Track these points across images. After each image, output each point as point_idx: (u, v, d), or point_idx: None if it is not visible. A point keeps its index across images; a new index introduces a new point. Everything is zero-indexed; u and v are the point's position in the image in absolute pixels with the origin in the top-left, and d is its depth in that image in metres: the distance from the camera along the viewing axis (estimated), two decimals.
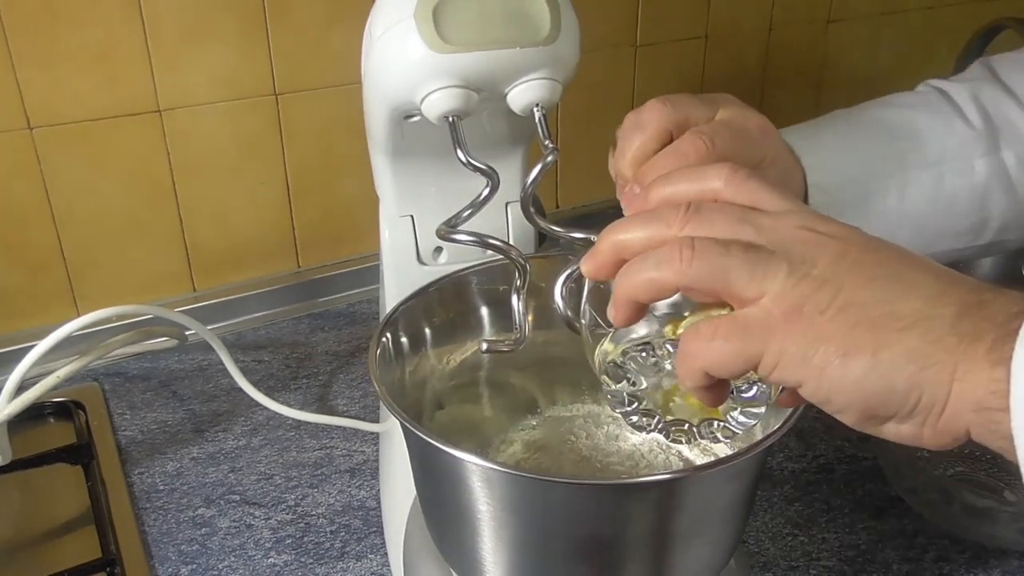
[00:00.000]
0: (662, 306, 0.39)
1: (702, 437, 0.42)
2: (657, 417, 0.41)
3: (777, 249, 0.33)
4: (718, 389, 0.36)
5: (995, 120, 0.54)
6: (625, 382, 0.41)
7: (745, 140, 0.46)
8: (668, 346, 0.39)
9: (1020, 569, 0.58)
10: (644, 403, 0.41)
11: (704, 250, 0.33)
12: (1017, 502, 0.61)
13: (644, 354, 0.40)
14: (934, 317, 0.31)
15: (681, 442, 0.43)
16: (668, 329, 0.40)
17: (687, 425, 0.41)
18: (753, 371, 0.33)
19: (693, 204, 0.36)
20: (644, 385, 0.41)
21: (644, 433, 0.42)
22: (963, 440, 0.32)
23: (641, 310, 0.37)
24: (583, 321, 0.43)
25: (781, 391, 0.39)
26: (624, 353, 0.40)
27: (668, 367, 0.40)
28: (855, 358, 0.31)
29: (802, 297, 0.32)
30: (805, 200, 0.52)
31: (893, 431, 0.33)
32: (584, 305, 0.43)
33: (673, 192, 0.38)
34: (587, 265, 0.38)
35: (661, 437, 0.49)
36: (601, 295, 0.41)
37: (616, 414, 0.43)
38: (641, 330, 0.40)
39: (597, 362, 0.42)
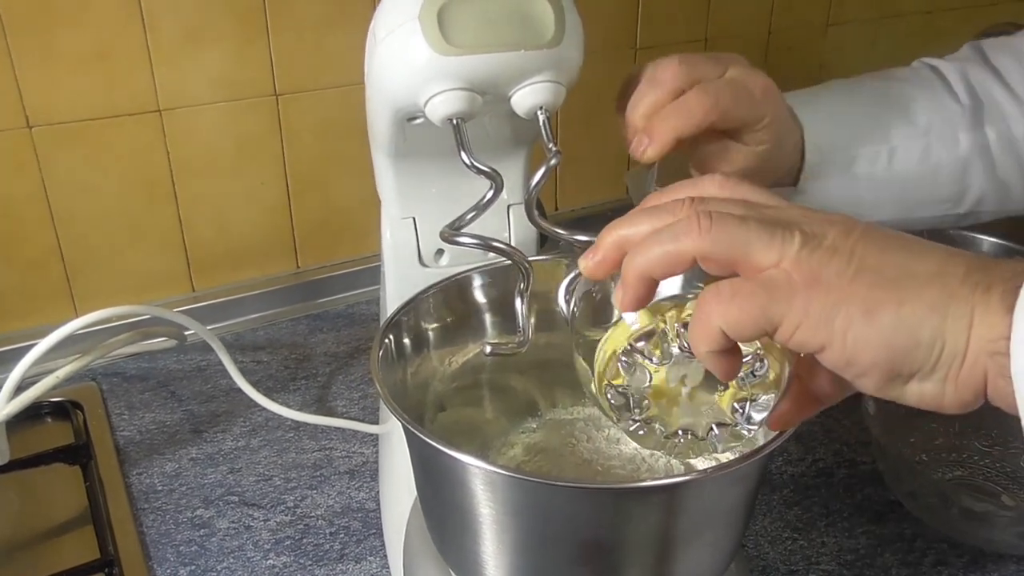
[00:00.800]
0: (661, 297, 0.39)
1: (702, 451, 0.41)
2: (658, 425, 0.41)
3: (790, 225, 0.34)
4: (731, 357, 0.35)
5: (981, 97, 0.58)
6: (626, 386, 0.41)
7: (748, 99, 0.50)
8: (678, 326, 0.39)
9: (1018, 573, 0.58)
10: (646, 410, 0.41)
11: (721, 219, 0.33)
12: (1015, 507, 0.61)
13: (649, 342, 0.39)
14: (947, 274, 0.32)
15: (687, 456, 0.43)
16: (672, 314, 0.39)
17: (689, 434, 0.41)
18: (769, 338, 0.33)
19: (698, 197, 0.36)
20: (647, 384, 0.40)
21: (643, 446, 0.42)
22: (981, 398, 0.32)
23: (652, 290, 0.36)
24: (572, 338, 0.42)
25: (781, 397, 0.39)
26: (630, 343, 0.40)
27: (675, 351, 0.39)
28: (879, 314, 0.31)
29: (820, 264, 0.32)
30: (801, 158, 0.56)
31: (916, 391, 0.33)
32: (572, 309, 0.43)
33: (672, 198, 0.38)
34: (587, 262, 0.38)
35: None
36: (592, 303, 0.41)
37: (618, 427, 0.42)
38: (639, 324, 0.40)
39: (598, 369, 0.42)
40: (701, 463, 0.53)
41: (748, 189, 0.37)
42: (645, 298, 0.36)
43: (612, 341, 0.41)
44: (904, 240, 0.34)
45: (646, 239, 0.35)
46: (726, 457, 0.50)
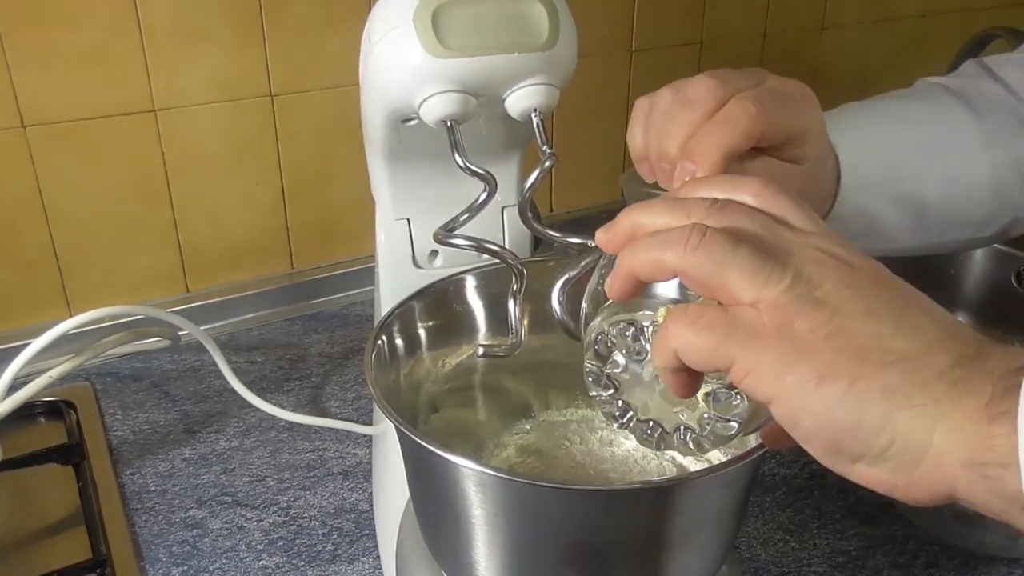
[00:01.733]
0: (663, 295, 0.39)
1: (667, 447, 0.41)
2: (632, 413, 0.41)
3: (787, 263, 0.31)
4: (686, 378, 0.34)
5: (1001, 112, 0.54)
6: (607, 363, 0.40)
7: (791, 106, 0.44)
8: (653, 326, 0.38)
9: (1008, 575, 0.58)
10: (623, 394, 0.40)
11: (712, 241, 0.32)
12: None
13: (630, 332, 0.39)
14: (924, 362, 0.29)
15: (650, 447, 0.43)
16: (661, 312, 0.39)
17: (659, 431, 0.40)
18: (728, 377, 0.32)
19: (722, 200, 0.34)
20: (622, 367, 0.40)
21: (616, 426, 0.41)
22: (942, 499, 0.30)
23: (638, 287, 0.35)
24: (582, 321, 0.42)
25: (760, 424, 0.38)
26: (612, 326, 0.40)
27: (648, 348, 0.39)
28: (829, 383, 0.29)
29: (796, 313, 0.30)
30: (837, 183, 0.51)
31: (864, 474, 0.31)
32: (584, 306, 0.42)
33: (705, 194, 0.36)
34: (602, 234, 0.37)
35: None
36: (602, 298, 0.41)
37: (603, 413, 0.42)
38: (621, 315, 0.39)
39: (585, 341, 0.41)
40: (693, 465, 0.53)
41: (786, 203, 0.35)
42: (629, 294, 0.36)
43: (598, 321, 0.41)
44: (904, 307, 0.31)
45: (640, 240, 0.34)
46: (717, 459, 0.50)
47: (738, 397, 0.37)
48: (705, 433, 0.39)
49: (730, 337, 0.31)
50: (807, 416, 0.30)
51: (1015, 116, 0.55)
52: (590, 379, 0.41)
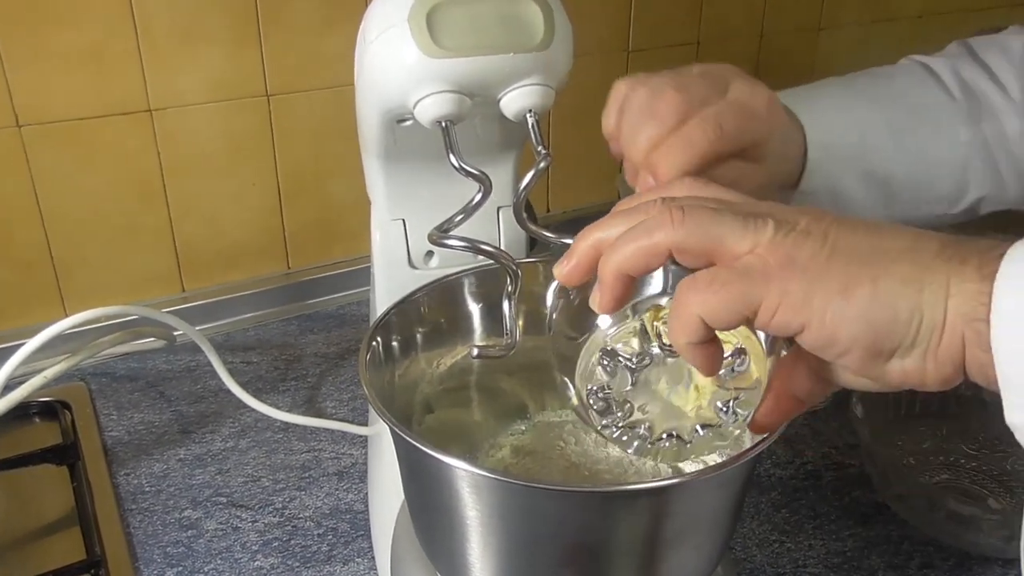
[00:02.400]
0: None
1: (686, 455, 0.41)
2: (640, 428, 0.41)
3: (761, 213, 0.34)
4: (712, 349, 0.35)
5: (975, 94, 0.57)
6: (608, 390, 0.41)
7: (752, 119, 0.47)
8: (658, 324, 0.39)
9: None
10: (628, 415, 0.41)
11: (694, 210, 0.34)
12: (1000, 510, 0.61)
13: (628, 344, 0.39)
14: (919, 249, 0.32)
15: (673, 460, 0.43)
16: (649, 315, 0.39)
17: (675, 437, 0.41)
18: (749, 330, 0.34)
19: (668, 196, 0.36)
20: (629, 386, 0.40)
21: (626, 451, 0.42)
22: (961, 373, 0.32)
23: (630, 288, 0.36)
24: (551, 344, 0.42)
25: (759, 404, 0.39)
26: (610, 345, 0.40)
27: (655, 351, 0.39)
28: (855, 290, 0.32)
29: (794, 246, 0.33)
30: (804, 158, 0.54)
31: (898, 368, 0.33)
32: (554, 320, 0.42)
33: (643, 201, 0.38)
34: (561, 268, 0.37)
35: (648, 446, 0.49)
36: (569, 310, 0.41)
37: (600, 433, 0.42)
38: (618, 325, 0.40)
39: (579, 374, 0.42)
40: (688, 466, 0.53)
41: (717, 189, 0.38)
42: (623, 297, 0.36)
43: (592, 345, 0.41)
44: (876, 224, 0.34)
45: (619, 239, 0.35)
46: (713, 460, 0.50)
47: (742, 361, 0.38)
48: (725, 421, 0.39)
49: (748, 282, 0.33)
50: (844, 327, 0.32)
51: (989, 98, 0.57)
52: (595, 411, 0.41)
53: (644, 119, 0.45)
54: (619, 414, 0.40)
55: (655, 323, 0.39)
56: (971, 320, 0.31)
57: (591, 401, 0.41)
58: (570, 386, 0.42)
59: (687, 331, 0.34)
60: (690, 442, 0.41)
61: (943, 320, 0.31)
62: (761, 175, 0.50)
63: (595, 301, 0.37)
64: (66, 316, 0.67)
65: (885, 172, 0.55)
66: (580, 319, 0.41)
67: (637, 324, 0.39)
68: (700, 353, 0.35)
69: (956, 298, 0.31)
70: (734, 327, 0.35)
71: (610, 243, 0.36)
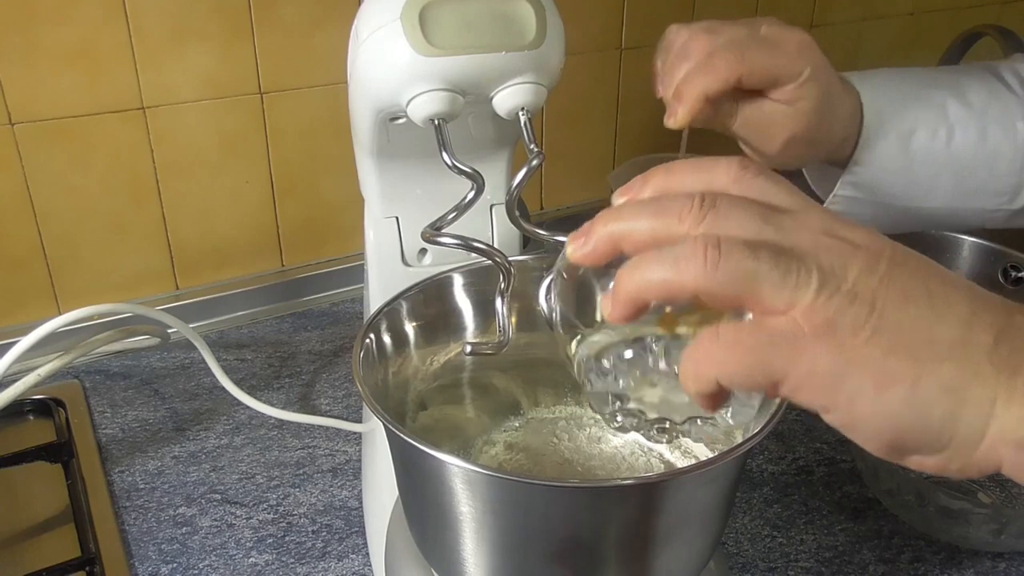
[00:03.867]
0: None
1: (684, 435, 0.41)
2: (640, 418, 0.41)
3: (806, 260, 0.30)
4: (719, 398, 0.33)
5: None
6: (609, 378, 0.40)
7: (779, 54, 0.49)
8: (664, 345, 0.37)
9: (992, 570, 0.59)
10: (627, 402, 0.40)
11: (731, 252, 0.30)
12: (990, 504, 0.62)
13: (633, 351, 0.38)
14: (971, 344, 0.29)
15: (662, 442, 0.43)
16: (660, 328, 0.38)
17: (668, 423, 0.40)
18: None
19: (708, 197, 0.32)
20: (629, 383, 0.40)
21: (624, 433, 0.42)
22: (989, 473, 0.30)
23: (644, 310, 0.33)
24: (555, 317, 0.40)
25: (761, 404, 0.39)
26: (611, 348, 0.39)
27: (662, 367, 0.37)
28: (892, 387, 0.29)
29: (835, 313, 0.29)
30: (860, 120, 0.54)
31: (916, 462, 0.31)
32: (554, 300, 0.41)
33: (678, 186, 0.34)
34: (576, 249, 0.34)
35: (642, 438, 0.49)
36: (575, 288, 0.39)
37: (597, 414, 0.42)
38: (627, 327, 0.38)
39: (578, 359, 0.41)
40: (681, 461, 0.53)
41: (766, 183, 0.33)
42: (633, 317, 0.33)
43: (596, 343, 0.40)
44: (930, 283, 0.30)
45: (644, 261, 0.31)
46: (705, 455, 0.51)
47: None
48: (722, 420, 0.39)
49: (774, 352, 0.30)
50: (870, 421, 0.30)
51: None
52: (593, 399, 0.40)
53: (677, 60, 0.50)
54: (613, 407, 0.40)
55: (664, 338, 0.37)
56: (1015, 445, 0.29)
57: (588, 391, 0.40)
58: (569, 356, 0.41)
59: (699, 384, 0.31)
60: (684, 432, 0.40)
61: (981, 437, 0.29)
62: (795, 123, 0.52)
63: (605, 307, 0.34)
64: (60, 314, 0.67)
65: (939, 153, 0.54)
66: (584, 297, 0.39)
67: (646, 334, 0.38)
68: (707, 401, 0.33)
69: (1000, 420, 0.29)
70: (751, 390, 0.33)
71: (632, 241, 0.33)
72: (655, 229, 0.32)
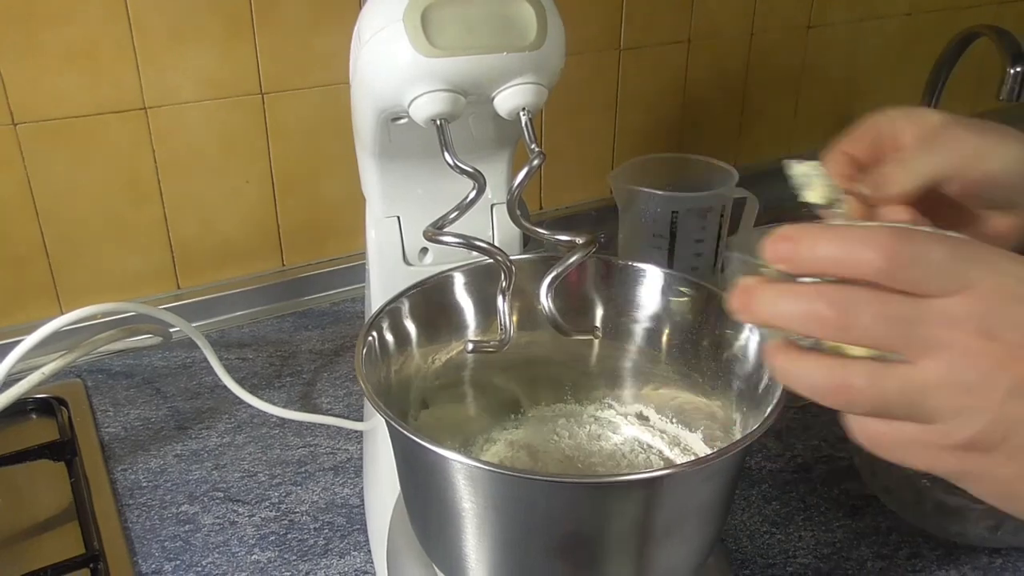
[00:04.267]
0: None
1: None
2: None
3: (938, 386, 0.30)
4: None
5: None
6: None
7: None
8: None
9: (989, 565, 0.59)
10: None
11: (861, 395, 0.31)
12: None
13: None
14: None
15: None
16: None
17: None
18: None
19: (841, 308, 0.31)
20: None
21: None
22: None
23: None
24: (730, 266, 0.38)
25: None
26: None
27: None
28: None
29: (977, 437, 0.30)
30: None
31: None
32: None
33: (813, 264, 0.32)
34: (735, 312, 0.35)
35: (642, 436, 0.50)
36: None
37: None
38: None
39: None
40: (680, 458, 0.54)
41: (921, 273, 0.30)
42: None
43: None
44: None
45: (805, 365, 0.33)
46: (704, 452, 0.51)
47: None
48: None
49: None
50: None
51: None
52: None
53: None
54: None
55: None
56: None
57: None
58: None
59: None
60: None
61: None
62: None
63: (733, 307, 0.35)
64: (61, 314, 0.67)
65: None
66: None
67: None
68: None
69: None
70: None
71: (778, 321, 0.33)
72: (801, 323, 0.32)
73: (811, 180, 0.42)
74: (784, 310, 0.33)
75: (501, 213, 0.60)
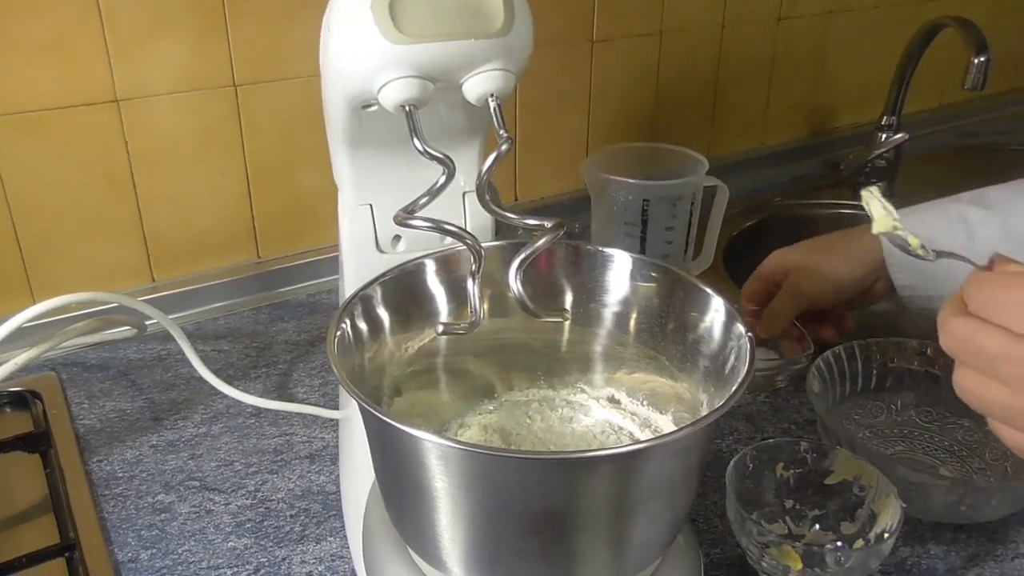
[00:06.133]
0: None
1: None
2: None
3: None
4: None
5: None
6: None
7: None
8: None
9: (953, 541, 0.61)
10: None
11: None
12: (950, 477, 0.64)
13: None
14: None
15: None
16: None
17: None
18: None
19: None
20: None
21: None
22: None
23: None
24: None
25: None
26: None
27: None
28: None
29: None
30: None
31: None
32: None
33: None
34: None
35: (612, 417, 0.51)
36: None
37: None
38: None
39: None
40: (644, 435, 0.54)
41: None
42: None
43: None
44: None
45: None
46: (669, 427, 0.52)
47: None
48: None
49: None
50: None
51: None
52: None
53: None
54: None
55: None
56: None
57: None
58: None
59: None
60: None
61: None
62: None
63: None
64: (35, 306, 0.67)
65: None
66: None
67: None
68: None
69: None
70: None
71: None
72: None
73: (870, 208, 0.48)
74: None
75: (473, 201, 0.61)
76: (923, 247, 0.45)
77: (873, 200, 0.47)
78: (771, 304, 0.74)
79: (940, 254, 0.45)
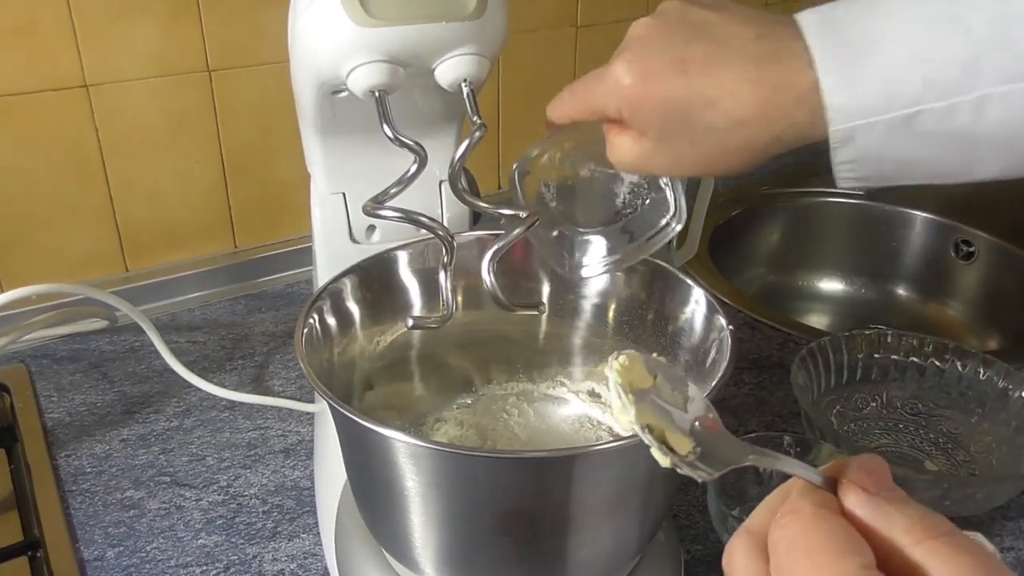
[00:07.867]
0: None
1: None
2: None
3: None
4: None
5: None
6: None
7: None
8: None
9: None
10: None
11: None
12: (935, 471, 0.63)
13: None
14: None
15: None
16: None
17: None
18: None
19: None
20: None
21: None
22: None
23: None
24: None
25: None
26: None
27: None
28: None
29: None
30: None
31: None
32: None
33: None
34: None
35: (590, 411, 0.50)
36: None
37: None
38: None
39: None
40: (620, 429, 0.53)
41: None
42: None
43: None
44: None
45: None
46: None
47: None
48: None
49: None
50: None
51: None
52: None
53: None
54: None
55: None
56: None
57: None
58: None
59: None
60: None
61: None
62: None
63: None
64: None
65: (967, 132, 0.38)
66: None
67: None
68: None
69: None
70: None
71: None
72: None
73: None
74: None
75: (449, 192, 0.60)
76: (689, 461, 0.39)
77: (612, 385, 0.37)
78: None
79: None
